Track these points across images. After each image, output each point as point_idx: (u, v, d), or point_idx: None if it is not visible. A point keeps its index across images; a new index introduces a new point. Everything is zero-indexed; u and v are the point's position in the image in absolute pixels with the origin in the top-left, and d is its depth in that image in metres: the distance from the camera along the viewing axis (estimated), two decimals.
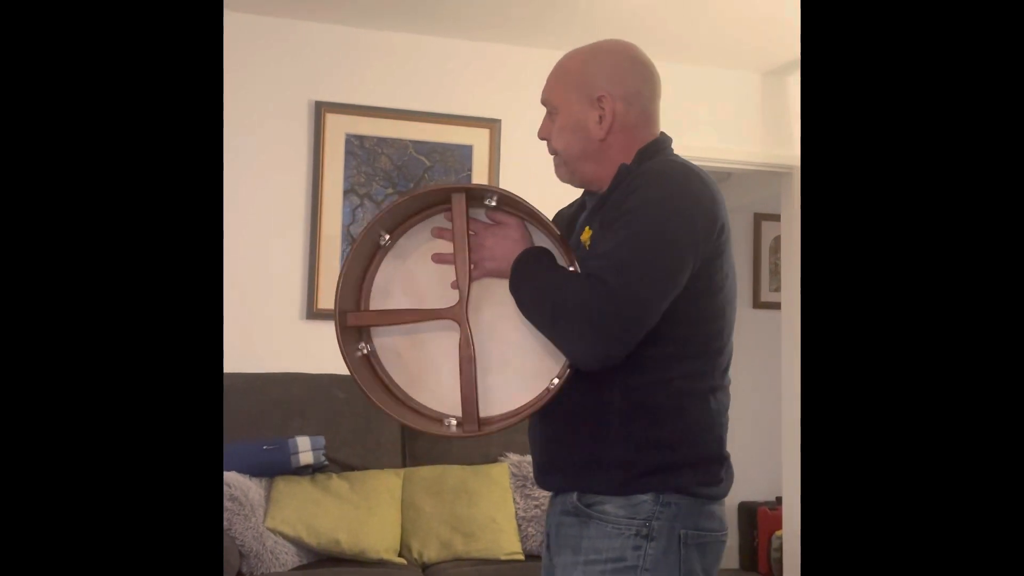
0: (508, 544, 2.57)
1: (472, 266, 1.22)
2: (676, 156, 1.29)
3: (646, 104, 1.30)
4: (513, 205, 1.23)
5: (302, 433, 2.62)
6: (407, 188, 3.12)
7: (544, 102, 1.32)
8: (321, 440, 2.60)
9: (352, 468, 2.66)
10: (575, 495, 1.20)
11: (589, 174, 1.29)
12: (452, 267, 1.23)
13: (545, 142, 1.33)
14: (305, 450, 2.55)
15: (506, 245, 1.21)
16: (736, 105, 3.48)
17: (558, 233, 1.21)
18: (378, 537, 2.47)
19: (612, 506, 1.17)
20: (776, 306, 4.15)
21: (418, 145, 3.13)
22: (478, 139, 3.18)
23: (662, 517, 1.16)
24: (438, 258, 1.25)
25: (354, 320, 1.24)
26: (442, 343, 1.24)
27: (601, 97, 1.26)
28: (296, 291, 3.01)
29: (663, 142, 1.30)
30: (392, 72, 3.15)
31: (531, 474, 2.73)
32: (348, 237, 3.05)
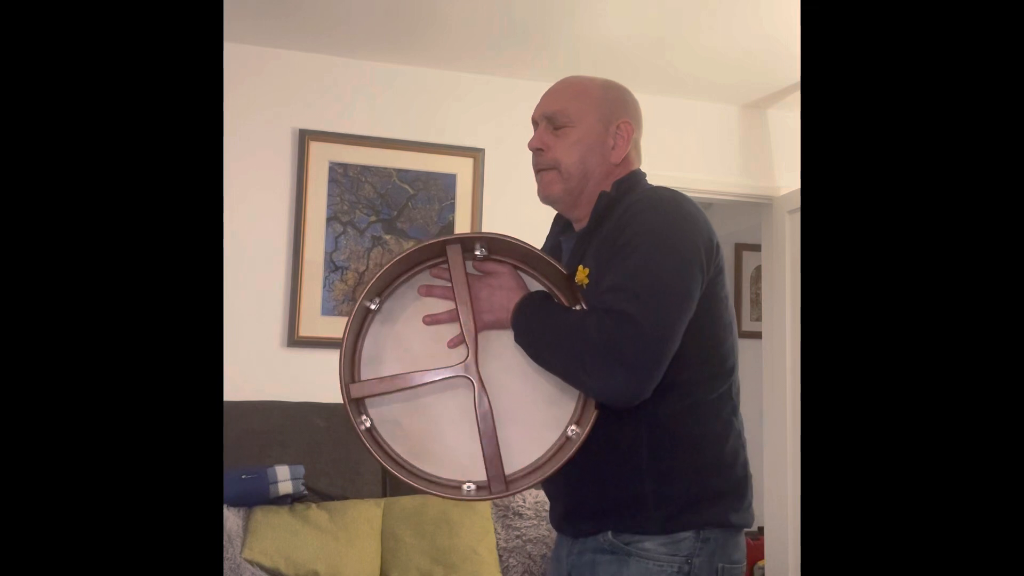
0: (489, 575, 2.54)
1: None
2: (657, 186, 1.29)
3: (638, 140, 1.34)
4: (504, 251, 1.19)
5: (281, 462, 2.59)
6: (390, 216, 3.12)
7: (552, 113, 1.28)
8: (300, 469, 2.57)
9: (332, 498, 2.63)
10: (609, 532, 1.17)
11: (586, 196, 1.27)
12: (442, 328, 1.18)
13: (534, 156, 1.30)
14: (284, 479, 2.53)
15: (501, 295, 1.17)
16: (716, 137, 3.53)
17: (563, 271, 1.17)
18: (357, 568, 2.44)
19: (653, 543, 1.14)
20: (757, 335, 4.17)
21: (402, 173, 3.14)
22: (462, 168, 3.19)
23: (703, 553, 1.15)
24: (430, 319, 1.19)
25: (356, 391, 1.16)
26: (444, 406, 1.18)
27: (623, 123, 1.28)
28: (277, 319, 3.00)
29: (641, 174, 1.31)
30: (376, 101, 3.17)
31: (513, 504, 2.72)
32: (331, 264, 3.05)
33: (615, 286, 1.10)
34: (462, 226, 3.16)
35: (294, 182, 3.06)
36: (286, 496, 2.52)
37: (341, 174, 3.08)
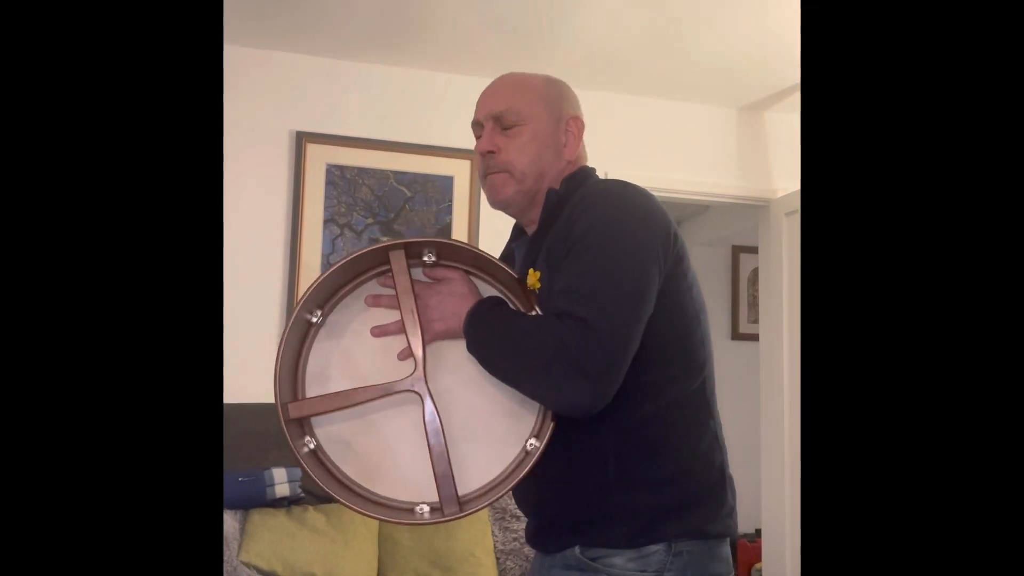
0: None
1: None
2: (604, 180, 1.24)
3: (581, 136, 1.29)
4: (454, 256, 1.13)
5: (278, 464, 2.59)
6: (387, 218, 3.12)
7: (499, 113, 1.22)
8: (298, 472, 2.57)
9: (329, 500, 2.63)
10: (577, 548, 1.11)
11: (540, 197, 1.21)
12: (392, 340, 1.12)
13: (484, 160, 1.22)
14: (281, 482, 2.52)
15: (453, 302, 1.11)
16: (713, 139, 3.54)
17: (514, 275, 1.11)
18: (354, 571, 2.44)
19: (621, 559, 1.08)
20: (754, 338, 4.18)
21: (399, 175, 3.14)
22: (459, 170, 3.20)
23: (673, 568, 1.08)
24: (379, 331, 1.13)
25: (296, 411, 1.09)
26: (395, 423, 1.11)
27: (572, 120, 1.24)
28: (275, 321, 2.99)
29: (590, 169, 1.26)
30: (373, 103, 3.17)
31: (510, 506, 2.72)
32: (328, 267, 3.04)
33: (566, 288, 1.05)
34: (459, 228, 3.16)
35: (291, 184, 3.05)
36: (283, 498, 2.52)
37: (338, 176, 3.08)
